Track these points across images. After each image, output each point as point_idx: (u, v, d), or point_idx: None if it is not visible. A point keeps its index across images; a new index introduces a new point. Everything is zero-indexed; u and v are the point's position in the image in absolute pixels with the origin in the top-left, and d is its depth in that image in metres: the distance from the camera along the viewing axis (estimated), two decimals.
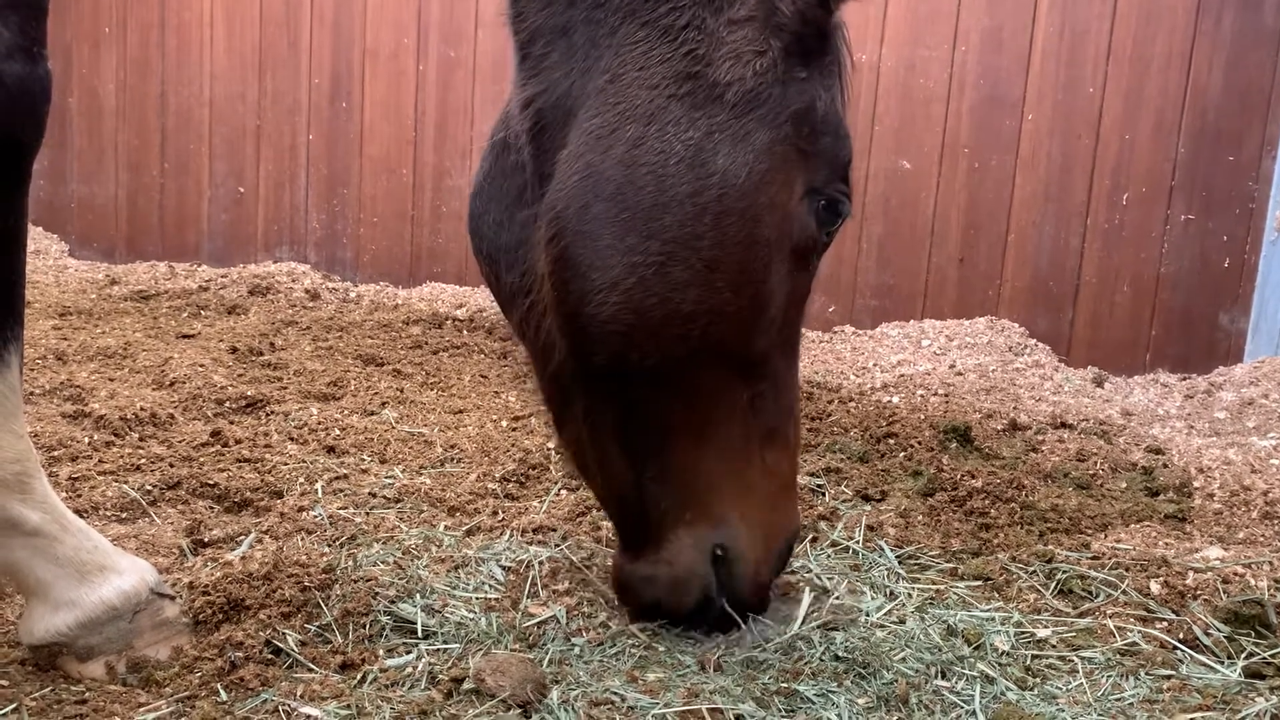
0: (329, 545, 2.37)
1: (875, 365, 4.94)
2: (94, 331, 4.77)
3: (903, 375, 4.72)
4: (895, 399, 4.37)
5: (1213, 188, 4.86)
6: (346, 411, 3.59)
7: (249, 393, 3.69)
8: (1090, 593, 2.36)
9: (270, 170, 6.46)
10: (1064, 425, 4.05)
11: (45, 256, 6.76)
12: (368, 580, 2.11)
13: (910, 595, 2.39)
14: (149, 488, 2.73)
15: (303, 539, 2.39)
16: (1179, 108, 4.86)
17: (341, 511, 2.57)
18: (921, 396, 4.38)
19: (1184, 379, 4.86)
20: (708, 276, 1.67)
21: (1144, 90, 4.90)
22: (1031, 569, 2.53)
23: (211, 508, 2.70)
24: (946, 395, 4.38)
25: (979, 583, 2.48)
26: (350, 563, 2.20)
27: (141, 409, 3.37)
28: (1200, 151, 4.86)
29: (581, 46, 1.75)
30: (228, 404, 3.63)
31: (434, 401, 3.86)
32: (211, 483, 2.79)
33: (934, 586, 2.45)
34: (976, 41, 5.12)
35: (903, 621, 2.19)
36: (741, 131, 1.69)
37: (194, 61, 6.50)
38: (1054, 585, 2.41)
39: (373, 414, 3.60)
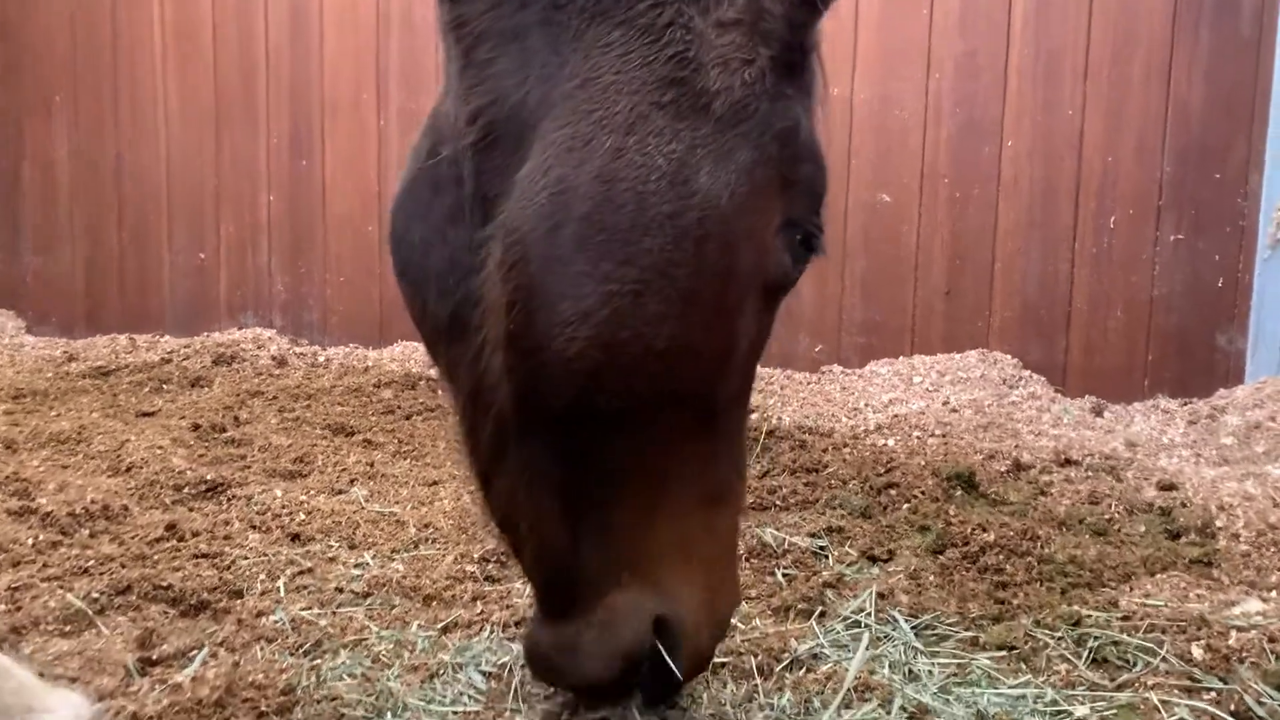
0: (291, 654, 2.15)
1: (867, 405, 4.77)
2: (48, 415, 4.54)
3: (896, 415, 4.54)
4: (891, 441, 4.18)
5: (1201, 206, 4.73)
6: (313, 491, 3.37)
7: (209, 476, 3.47)
8: (1127, 660, 2.17)
9: (231, 233, 6.26)
10: (1069, 462, 3.87)
11: (0, 335, 6.52)
12: (333, 699, 1.89)
13: (931, 673, 2.19)
14: (96, 594, 2.50)
15: (262, 649, 2.17)
16: (1161, 125, 4.74)
17: (305, 613, 2.35)
18: (918, 438, 4.20)
19: (1185, 404, 4.71)
20: (684, 310, 1.49)
21: (1124, 109, 4.79)
22: (1059, 634, 2.33)
23: (165, 613, 2.47)
24: (944, 435, 4.20)
25: (1003, 653, 2.29)
26: (313, 678, 1.99)
27: (93, 501, 3.14)
28: (1186, 169, 4.74)
29: (539, 52, 1.55)
30: (186, 489, 3.40)
31: (407, 474, 3.65)
32: (165, 584, 2.56)
33: (956, 661, 2.25)
34: (951, 68, 5.00)
35: (926, 712, 1.99)
36: (725, 148, 1.51)
37: (148, 125, 6.31)
38: (1086, 653, 2.21)
39: (341, 493, 3.39)
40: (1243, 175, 4.65)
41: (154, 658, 2.14)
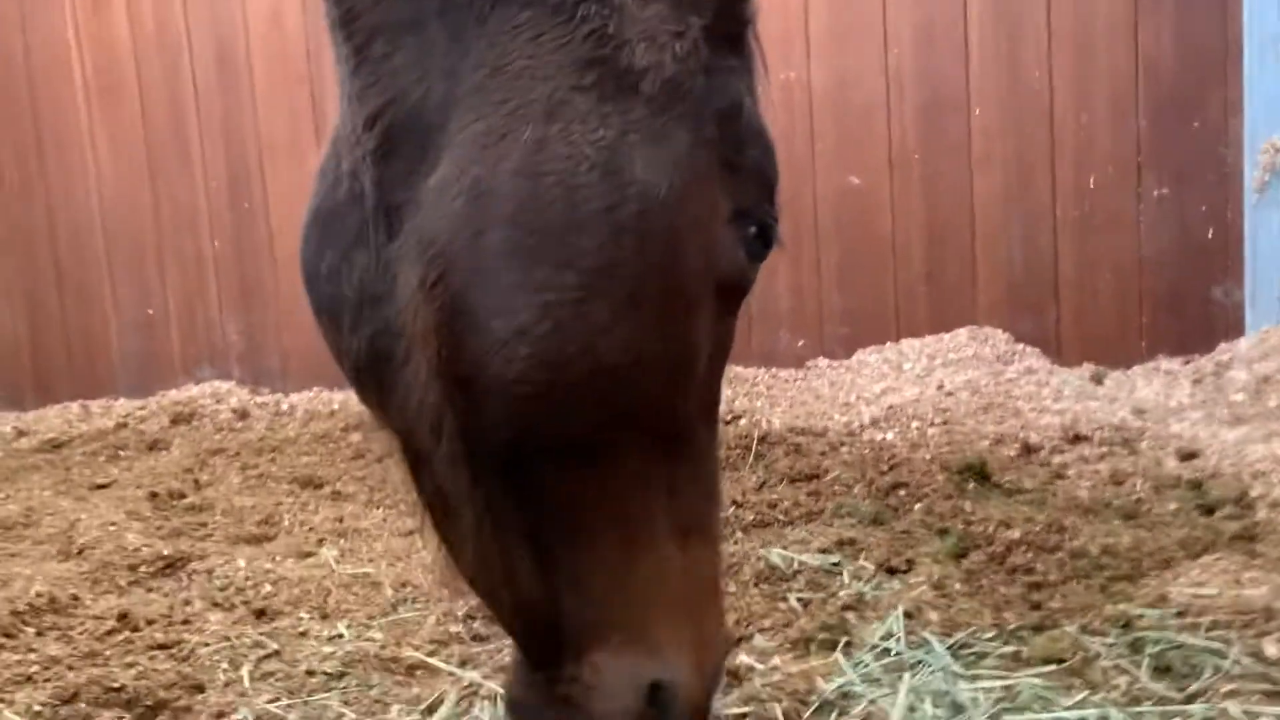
0: None
1: (859, 398, 4.55)
2: None
3: (891, 406, 4.33)
4: (890, 435, 3.97)
5: (1182, 158, 4.56)
6: (279, 557, 3.11)
7: (166, 551, 3.20)
8: (1193, 666, 1.95)
9: (177, 286, 5.97)
10: (1079, 438, 3.68)
11: None
12: None
13: (977, 701, 1.97)
14: (40, 706, 2.24)
15: None
16: (1132, 81, 4.56)
17: (272, 706, 2.10)
18: (918, 429, 3.99)
19: (1187, 362, 4.53)
20: (632, 316, 1.31)
21: (1093, 69, 4.60)
22: (1109, 640, 2.12)
23: (119, 719, 2.22)
24: (945, 423, 3.99)
25: (1052, 667, 2.07)
26: None
27: (38, 595, 2.86)
28: (1162, 122, 4.56)
29: (439, 43, 1.34)
30: (143, 568, 3.14)
31: (380, 526, 3.40)
32: (117, 685, 2.30)
33: (1001, 682, 2.03)
34: (909, 41, 4.80)
35: None
36: (660, 132, 1.33)
37: (79, 181, 6.01)
38: (1146, 661, 1.99)
39: (310, 555, 3.13)
40: (1222, 122, 4.48)
41: None
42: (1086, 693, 1.95)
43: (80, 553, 3.34)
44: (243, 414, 5.45)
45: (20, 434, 5.51)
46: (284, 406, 5.58)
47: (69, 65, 5.97)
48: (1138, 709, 1.85)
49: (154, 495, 3.98)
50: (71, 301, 6.14)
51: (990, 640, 2.20)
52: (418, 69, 1.34)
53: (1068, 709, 1.90)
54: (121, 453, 4.95)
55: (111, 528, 3.51)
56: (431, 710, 2.04)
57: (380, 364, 1.42)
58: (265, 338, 5.87)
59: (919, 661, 2.12)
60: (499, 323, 1.27)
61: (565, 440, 1.33)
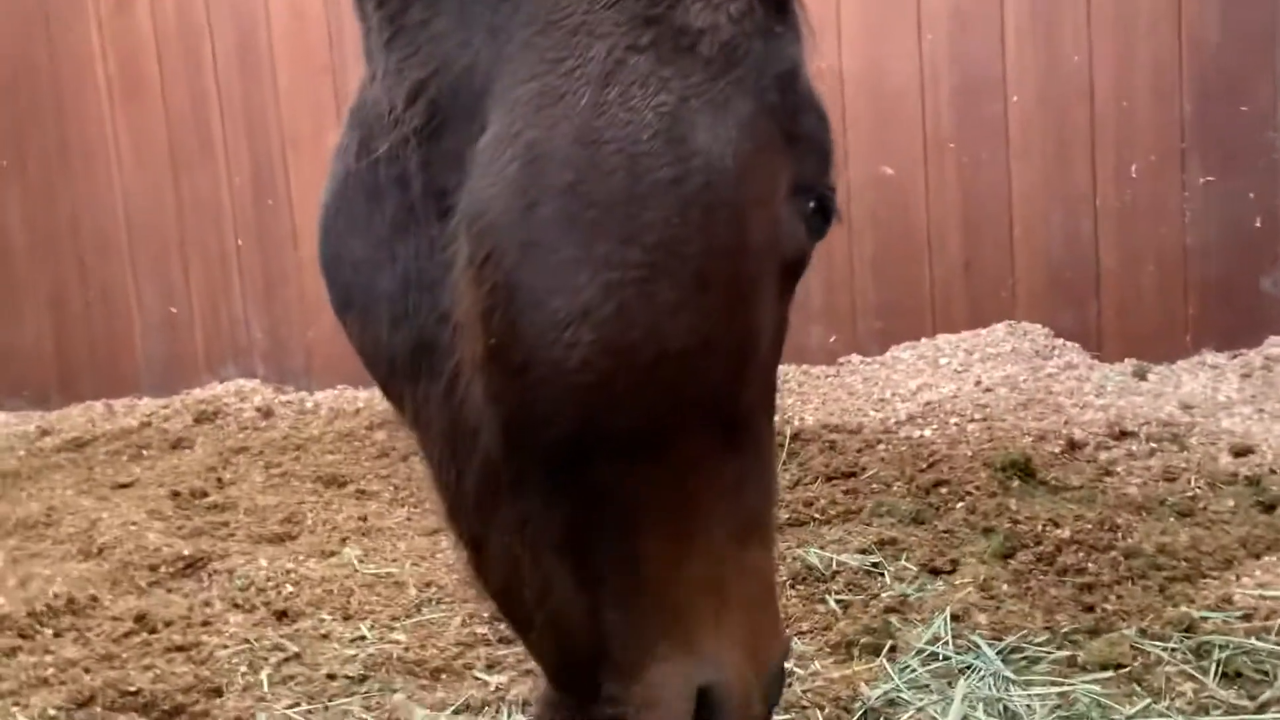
0: None
1: (894, 395, 4.43)
2: (18, 496, 4.21)
3: (928, 403, 4.20)
4: (928, 432, 3.85)
5: (1229, 143, 4.40)
6: (301, 557, 3.03)
7: (187, 551, 3.14)
8: (1265, 672, 1.84)
9: (201, 283, 5.93)
10: (1125, 434, 3.54)
11: None
12: None
13: (1031, 708, 1.86)
14: (54, 710, 2.17)
15: None
16: (1176, 62, 4.41)
17: (292, 711, 2.02)
18: (957, 425, 3.87)
19: (1234, 356, 4.37)
20: (699, 297, 1.20)
21: (1135, 51, 4.45)
22: (1171, 644, 2.00)
23: None
24: (984, 420, 3.86)
25: (1109, 673, 1.95)
26: None
27: (56, 595, 2.81)
28: (1208, 106, 4.41)
29: (483, 1, 1.23)
30: (163, 569, 3.08)
31: (404, 525, 3.32)
32: (134, 689, 2.23)
33: (1056, 689, 1.92)
34: (944, 25, 4.67)
35: None
36: (721, 97, 1.23)
37: (102, 179, 5.98)
38: (1214, 667, 1.87)
39: (333, 555, 3.05)
40: (1271, 105, 4.32)
41: None
42: (1149, 700, 1.83)
43: (100, 552, 3.29)
44: (267, 412, 5.40)
45: (44, 433, 5.48)
46: (308, 405, 5.52)
47: (92, 64, 5.94)
48: (1206, 718, 1.73)
49: (176, 494, 3.92)
50: (96, 301, 6.11)
51: (1042, 644, 2.08)
52: (461, 32, 1.24)
53: (1130, 718, 1.78)
54: (144, 452, 4.90)
55: (132, 527, 3.45)
56: (457, 715, 1.95)
57: (421, 360, 1.32)
58: (289, 335, 5.81)
59: (968, 667, 2.01)
60: (558, 302, 1.16)
61: (624, 433, 1.22)
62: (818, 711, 1.90)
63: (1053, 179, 4.62)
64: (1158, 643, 2.00)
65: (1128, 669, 1.94)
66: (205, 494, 3.94)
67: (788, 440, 3.83)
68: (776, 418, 4.48)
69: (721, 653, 1.33)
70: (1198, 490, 2.82)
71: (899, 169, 4.77)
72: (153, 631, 2.57)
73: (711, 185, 1.19)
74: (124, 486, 4.26)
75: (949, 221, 4.76)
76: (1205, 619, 2.04)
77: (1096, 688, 1.89)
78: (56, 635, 2.65)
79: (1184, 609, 2.10)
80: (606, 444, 1.23)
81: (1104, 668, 1.96)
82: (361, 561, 2.95)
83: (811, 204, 1.33)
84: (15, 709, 2.20)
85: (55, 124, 6.03)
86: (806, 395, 4.65)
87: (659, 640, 1.31)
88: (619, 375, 1.18)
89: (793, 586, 2.55)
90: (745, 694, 1.37)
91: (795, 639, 2.27)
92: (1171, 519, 2.64)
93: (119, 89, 5.93)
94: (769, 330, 1.33)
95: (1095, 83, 4.51)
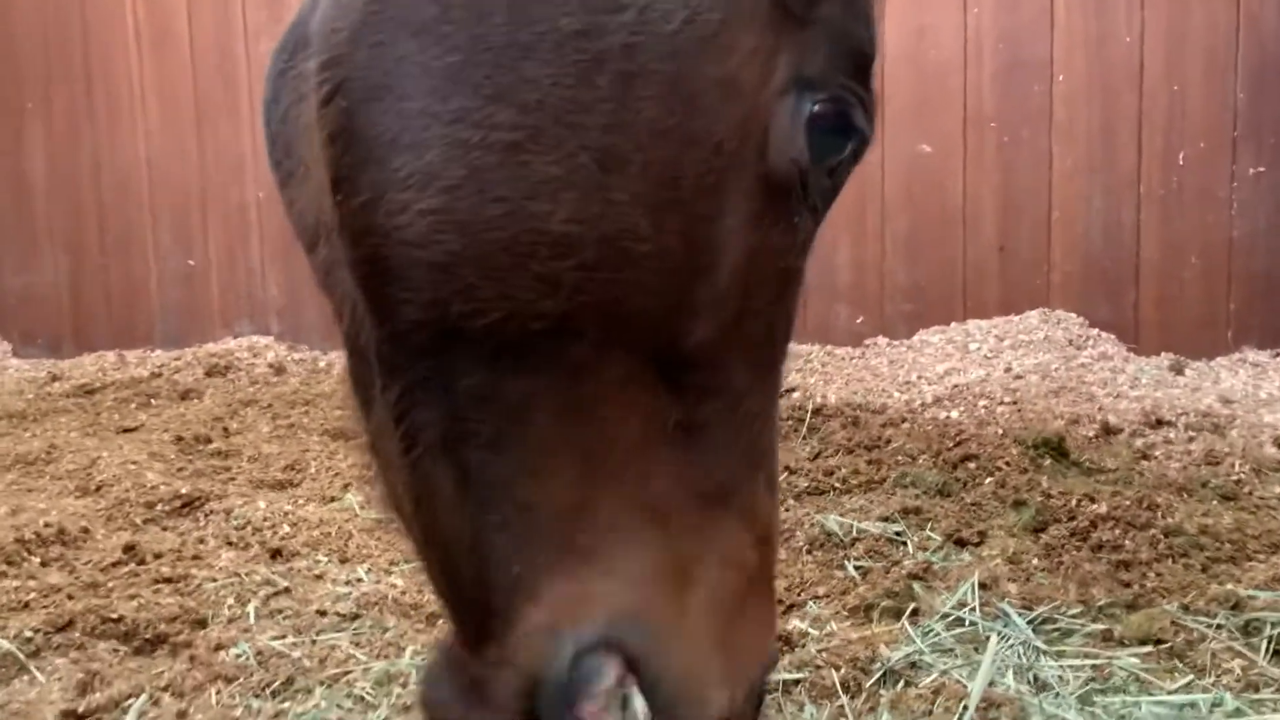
0: (254, 695, 1.71)
1: (920, 378, 4.29)
2: (20, 435, 4.14)
3: (955, 386, 4.07)
4: (955, 414, 3.71)
5: None
6: (301, 501, 2.93)
7: (184, 490, 3.04)
8: None
9: (220, 235, 5.85)
10: (1162, 423, 3.39)
11: None
12: None
13: (1064, 679, 1.73)
14: (29, 633, 2.07)
15: (218, 691, 1.73)
16: (1232, 47, 4.25)
17: (276, 643, 1.91)
18: (985, 408, 3.73)
19: (1277, 354, 4.21)
20: (599, 177, 0.98)
21: (1188, 32, 4.29)
22: (1217, 621, 1.86)
23: (115, 650, 2.04)
24: (1014, 403, 3.72)
25: (1149, 648, 1.82)
26: None
27: (47, 525, 2.72)
28: (1263, 94, 4.24)
29: None
30: (159, 506, 2.98)
31: None
32: (115, 616, 2.13)
33: (1090, 661, 1.79)
34: None
35: None
36: None
37: (125, 125, 5.91)
38: (1264, 644, 1.74)
39: (333, 500, 2.95)
40: None
41: (81, 710, 1.70)
42: (1192, 676, 1.70)
43: (98, 489, 3.20)
44: (279, 369, 5.31)
45: (54, 378, 5.41)
46: (321, 363, 5.44)
47: (122, 11, 5.88)
48: (1256, 695, 1.60)
49: (179, 440, 3.83)
50: (113, 250, 6.04)
51: (1076, 617, 1.95)
52: None
53: (1171, 693, 1.65)
54: (153, 401, 4.82)
55: (132, 466, 3.36)
56: None
57: (309, 213, 1.12)
58: (306, 293, 5.72)
59: (996, 634, 1.88)
60: (401, 160, 0.96)
61: (496, 330, 0.99)
62: (833, 671, 1.78)
63: (1096, 163, 4.47)
64: (1202, 619, 1.87)
65: (1169, 644, 1.81)
66: (209, 440, 3.85)
67: (808, 415, 3.70)
68: (796, 395, 4.26)
69: (646, 620, 1.08)
70: (1242, 475, 2.68)
71: (937, 147, 4.63)
72: (141, 563, 2.47)
73: (640, 48, 0.97)
74: (128, 431, 4.18)
75: (985, 203, 4.61)
76: (1254, 597, 1.91)
77: (1135, 661, 1.76)
78: (43, 564, 2.56)
79: (1230, 587, 1.96)
80: (478, 340, 1.01)
81: (1143, 643, 1.84)
82: (363, 507, 2.85)
83: (814, 106, 1.07)
84: None
85: (83, 69, 5.96)
86: (829, 375, 4.51)
87: (542, 580, 1.07)
88: (472, 257, 0.97)
89: (809, 552, 2.43)
90: (688, 674, 1.09)
91: (811, 602, 2.15)
92: (1214, 501, 2.50)
93: (147, 38, 5.86)
94: (736, 248, 1.07)
95: (1146, 65, 4.35)
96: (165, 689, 1.75)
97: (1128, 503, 2.41)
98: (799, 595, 2.20)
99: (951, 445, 3.11)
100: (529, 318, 0.97)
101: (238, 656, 1.86)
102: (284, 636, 1.96)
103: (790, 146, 1.05)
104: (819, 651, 1.85)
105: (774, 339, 1.18)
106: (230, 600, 2.17)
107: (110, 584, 2.36)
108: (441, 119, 0.95)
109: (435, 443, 1.04)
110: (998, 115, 4.55)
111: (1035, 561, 2.23)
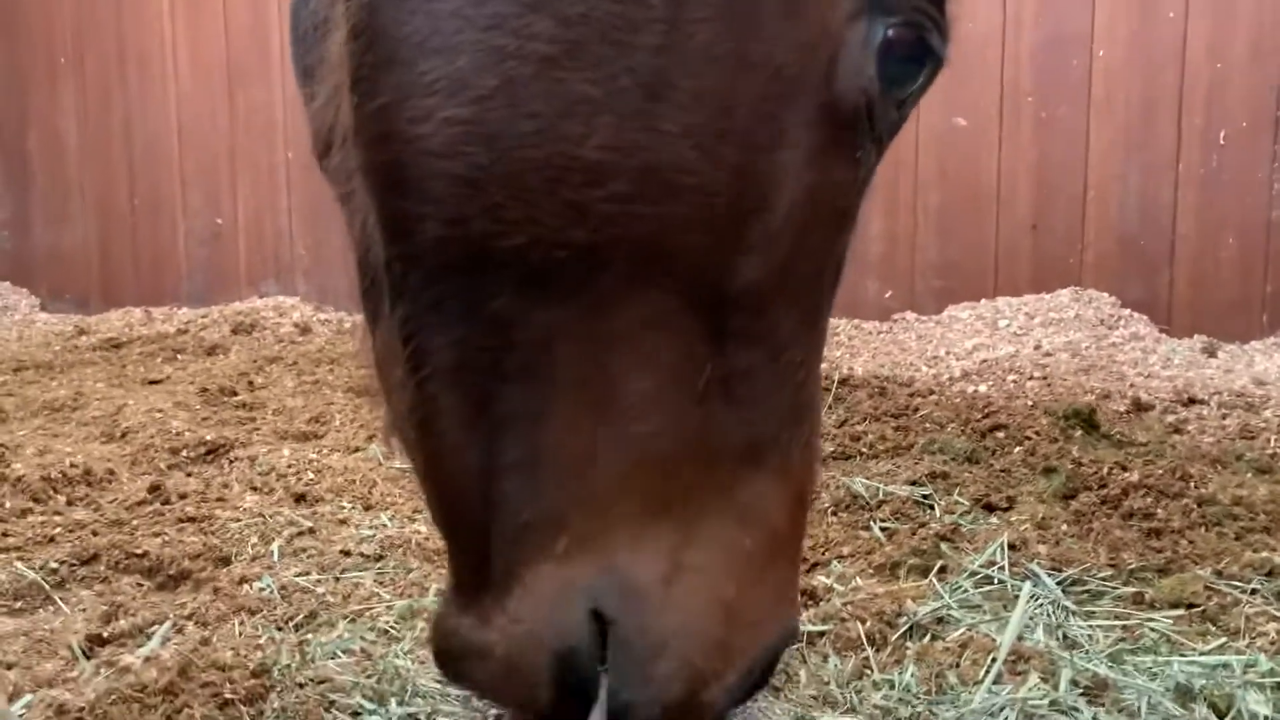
0: (277, 628, 1.71)
1: (948, 353, 4.25)
2: (47, 385, 4.16)
3: (984, 361, 4.02)
4: (983, 388, 3.68)
5: None
6: (326, 450, 2.94)
7: (209, 437, 3.05)
8: None
9: (248, 196, 5.86)
10: (1194, 401, 3.35)
11: (13, 312, 6.17)
12: (320, 682, 1.45)
13: (1093, 638, 1.70)
14: (54, 565, 2.09)
15: (241, 622, 1.73)
16: (1278, 23, 4.16)
17: (300, 579, 1.91)
18: (1014, 382, 3.69)
19: None
20: (641, 102, 0.91)
21: (1236, 7, 4.21)
22: (1251, 586, 1.83)
23: (138, 585, 2.06)
24: (1044, 378, 3.68)
25: (1181, 611, 1.79)
26: (297, 657, 1.54)
27: (72, 466, 2.74)
28: None
29: None
30: (184, 452, 2.99)
31: None
32: (140, 552, 2.14)
33: (1120, 622, 1.76)
34: None
35: (1105, 688, 1.50)
36: None
37: (158, 85, 5.92)
38: None
39: (357, 450, 2.95)
40: None
41: (106, 636, 1.71)
42: (1225, 639, 1.67)
43: (123, 436, 3.21)
44: (305, 328, 5.32)
45: (81, 332, 5.44)
46: (347, 325, 5.44)
47: None
48: None
49: (204, 391, 3.85)
50: (143, 208, 6.07)
51: (1106, 579, 1.93)
52: None
53: (1204, 654, 1.62)
54: (179, 355, 4.84)
55: (157, 414, 3.38)
56: None
57: (328, 128, 1.06)
58: (333, 255, 5.73)
59: (1026, 590, 1.86)
60: (430, 64, 0.89)
61: (520, 254, 0.92)
62: (858, 624, 1.76)
63: (1134, 141, 4.40)
64: (1236, 584, 1.84)
65: (1201, 608, 1.78)
66: (234, 393, 3.86)
67: (834, 385, 3.67)
68: (824, 365, 4.27)
69: (658, 577, 1.02)
70: (1278, 450, 2.63)
71: (972, 120, 4.57)
72: (166, 503, 2.49)
73: None
74: (154, 383, 4.20)
75: (1020, 179, 4.55)
76: None
77: (1167, 623, 1.73)
78: (69, 503, 2.58)
79: (1265, 555, 1.93)
80: (501, 264, 0.94)
81: (1174, 606, 1.80)
82: (387, 457, 2.84)
83: (889, 32, 1.00)
84: (19, 563, 2.12)
85: (115, 27, 5.97)
86: (856, 349, 4.48)
87: (558, 532, 1.00)
88: (499, 174, 0.90)
89: (834, 514, 2.41)
90: (694, 643, 1.03)
91: (835, 561, 2.13)
92: (1249, 474, 2.46)
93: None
94: (792, 183, 0.99)
95: (1189, 41, 4.28)
96: (189, 618, 1.75)
97: (1160, 472, 2.37)
98: (823, 554, 2.18)
99: (980, 416, 3.08)
100: (555, 245, 0.92)
101: (261, 590, 1.86)
102: (308, 574, 1.96)
103: (859, 75, 0.99)
104: (844, 605, 1.83)
105: (822, 285, 1.11)
106: (254, 539, 2.18)
107: (135, 522, 2.37)
108: (476, 23, 0.89)
109: (446, 370, 0.97)
110: (1035, 90, 4.49)
111: (1065, 527, 2.20)
